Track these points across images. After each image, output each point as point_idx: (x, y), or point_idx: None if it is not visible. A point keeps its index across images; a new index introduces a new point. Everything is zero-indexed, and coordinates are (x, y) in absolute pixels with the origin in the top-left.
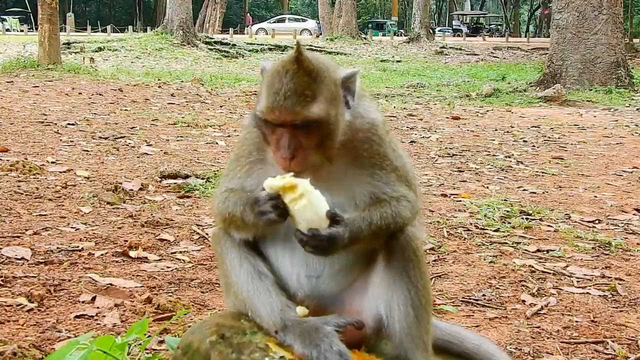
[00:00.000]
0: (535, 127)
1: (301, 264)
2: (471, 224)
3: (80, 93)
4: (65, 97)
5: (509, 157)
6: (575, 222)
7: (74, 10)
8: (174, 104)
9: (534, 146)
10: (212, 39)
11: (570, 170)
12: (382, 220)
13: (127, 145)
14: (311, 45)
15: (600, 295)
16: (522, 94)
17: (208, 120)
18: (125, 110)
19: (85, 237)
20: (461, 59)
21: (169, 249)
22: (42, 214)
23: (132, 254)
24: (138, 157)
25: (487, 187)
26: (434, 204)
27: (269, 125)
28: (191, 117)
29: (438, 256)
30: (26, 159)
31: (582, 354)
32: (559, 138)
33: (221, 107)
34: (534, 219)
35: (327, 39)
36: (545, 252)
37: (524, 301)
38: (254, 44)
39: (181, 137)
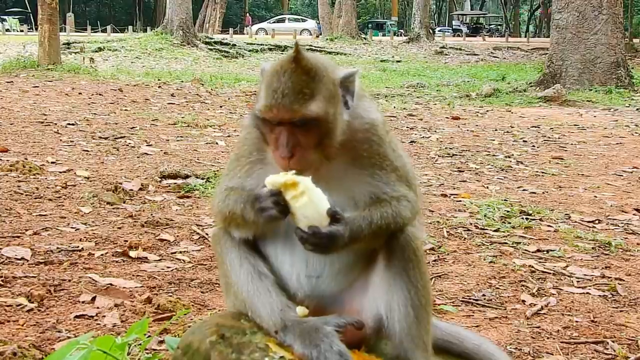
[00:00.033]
0: (535, 127)
1: (301, 264)
2: (471, 224)
3: (80, 93)
4: (65, 97)
5: (509, 157)
6: (575, 222)
7: (74, 11)
8: (174, 104)
9: (533, 146)
10: (212, 39)
11: (570, 170)
12: (383, 220)
13: (127, 145)
14: (311, 46)
15: (600, 295)
16: (522, 94)
17: (208, 120)
18: (125, 110)
19: (85, 237)
20: (461, 59)
21: (169, 249)
22: (42, 214)
23: (132, 254)
24: (138, 157)
25: (487, 187)
26: (434, 204)
27: (268, 124)
28: (191, 117)
29: (438, 256)
30: (26, 159)
31: (582, 354)
32: (558, 138)
33: (221, 107)
34: (534, 219)
35: (327, 39)
36: (545, 252)
37: (524, 301)
38: (254, 44)
39: (181, 137)
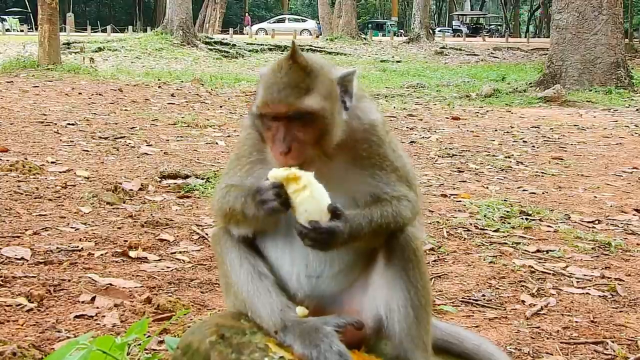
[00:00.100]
0: (535, 127)
1: (301, 264)
2: (471, 224)
3: (80, 93)
4: (65, 97)
5: (509, 157)
6: (575, 222)
7: (74, 11)
8: (173, 104)
9: (533, 146)
10: (212, 39)
11: (570, 170)
12: (382, 219)
13: (127, 145)
14: (311, 46)
15: (600, 296)
16: (522, 94)
17: (208, 120)
18: (125, 110)
19: (85, 237)
20: (461, 60)
21: (168, 249)
22: (41, 214)
23: (132, 254)
24: (138, 157)
25: (487, 188)
26: (434, 204)
27: (265, 120)
28: (191, 117)
29: (438, 256)
30: (26, 159)
31: (581, 354)
32: (558, 138)
33: (221, 107)
34: (533, 220)
35: (327, 39)
36: (545, 253)
37: (523, 301)
38: (254, 44)
39: (181, 137)
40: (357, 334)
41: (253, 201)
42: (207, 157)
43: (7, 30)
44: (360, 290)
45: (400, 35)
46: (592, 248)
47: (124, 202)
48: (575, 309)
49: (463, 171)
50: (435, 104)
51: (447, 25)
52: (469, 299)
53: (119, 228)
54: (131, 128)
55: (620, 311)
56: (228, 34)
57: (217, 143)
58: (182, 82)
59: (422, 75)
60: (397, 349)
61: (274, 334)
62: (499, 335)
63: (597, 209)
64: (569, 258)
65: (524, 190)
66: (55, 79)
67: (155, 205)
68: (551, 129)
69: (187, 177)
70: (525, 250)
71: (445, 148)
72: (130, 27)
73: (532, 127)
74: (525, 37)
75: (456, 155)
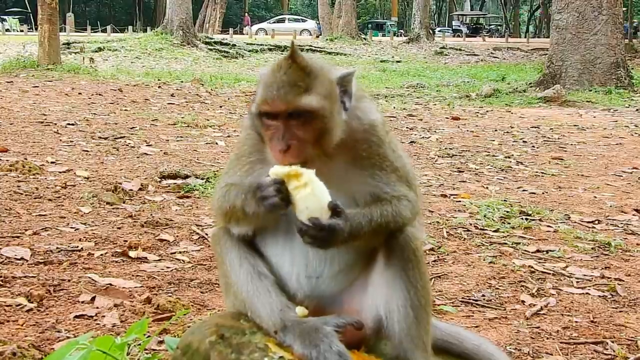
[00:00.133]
0: (535, 127)
1: (301, 264)
2: (471, 224)
3: (80, 93)
4: (65, 97)
5: (509, 157)
6: (575, 222)
7: (74, 11)
8: (173, 104)
9: (533, 146)
10: (212, 39)
11: (569, 170)
12: (382, 218)
13: (126, 145)
14: (311, 46)
15: (599, 296)
16: (522, 94)
17: (208, 120)
18: (125, 110)
19: (84, 237)
20: (461, 60)
21: (168, 249)
22: (41, 214)
23: (132, 254)
24: (138, 157)
25: (487, 188)
26: (434, 204)
27: (265, 119)
28: (191, 118)
29: (438, 256)
30: (26, 159)
31: (581, 354)
32: (558, 138)
33: (221, 107)
34: (533, 220)
35: (326, 39)
36: (544, 253)
37: (523, 301)
38: (254, 44)
39: (181, 137)
40: (357, 334)
41: (253, 198)
42: (207, 157)
43: (7, 30)
44: (360, 291)
45: (400, 36)
46: (592, 248)
47: (124, 202)
48: (575, 309)
49: (463, 171)
50: (435, 104)
51: (447, 26)
52: (469, 299)
53: (119, 228)
54: (131, 128)
55: (620, 311)
56: (228, 34)
57: (217, 143)
58: (182, 82)
59: (422, 75)
60: (396, 349)
61: (274, 334)
62: (498, 335)
63: (597, 209)
64: (568, 258)
65: (523, 190)
66: (55, 79)
67: (155, 205)
68: (551, 129)
69: (187, 177)
70: (525, 251)
71: (445, 148)
72: (130, 27)
73: (532, 127)
74: (525, 37)
75: (456, 155)
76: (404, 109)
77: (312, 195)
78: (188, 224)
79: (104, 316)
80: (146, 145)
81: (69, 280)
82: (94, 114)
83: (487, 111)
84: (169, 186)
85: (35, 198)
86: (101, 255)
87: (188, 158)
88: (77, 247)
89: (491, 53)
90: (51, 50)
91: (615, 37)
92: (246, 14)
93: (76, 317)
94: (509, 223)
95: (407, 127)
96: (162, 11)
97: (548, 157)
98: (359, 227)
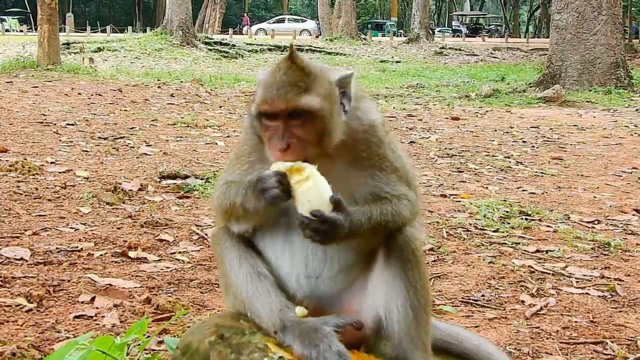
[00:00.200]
0: (535, 127)
1: (300, 264)
2: (470, 224)
3: (79, 93)
4: (64, 98)
5: (509, 157)
6: (575, 222)
7: (74, 11)
8: (173, 104)
9: (533, 147)
10: (211, 39)
11: (569, 170)
12: (382, 217)
13: (126, 145)
14: (311, 46)
15: (599, 296)
16: (522, 94)
17: (207, 120)
18: (125, 110)
19: (84, 237)
20: (460, 60)
21: (168, 249)
22: (41, 215)
23: (132, 254)
24: (137, 158)
25: (487, 188)
26: (434, 204)
27: (264, 120)
28: (190, 118)
29: (437, 256)
30: (25, 159)
31: (581, 354)
32: (558, 138)
33: (220, 107)
34: (533, 220)
35: (326, 40)
36: (544, 253)
37: (523, 301)
38: (254, 44)
39: (180, 137)
40: (357, 334)
41: (253, 193)
42: (207, 158)
43: (7, 30)
44: (359, 291)
45: (400, 36)
46: (592, 248)
47: (124, 203)
48: (575, 309)
49: (462, 171)
50: (434, 104)
51: (446, 26)
52: (469, 299)
53: (119, 228)
54: (131, 128)
55: (620, 311)
56: (227, 34)
57: (216, 143)
58: (181, 82)
59: (422, 75)
60: (396, 349)
61: (274, 334)
62: (498, 335)
63: (597, 209)
64: (568, 258)
65: (523, 190)
66: (55, 79)
67: (154, 205)
68: (551, 129)
69: (186, 177)
70: (525, 251)
71: (445, 148)
72: (129, 28)
73: (532, 127)
74: (525, 37)
75: (456, 155)
76: (404, 109)
77: (314, 188)
78: (188, 224)
79: (103, 316)
80: (146, 145)
81: (68, 281)
82: (94, 114)
83: (486, 111)
84: (168, 186)
85: (34, 198)
86: (101, 255)
87: (188, 158)
88: (77, 247)
89: (491, 53)
90: (51, 51)
91: (615, 37)
92: (245, 14)
93: (76, 317)
94: (509, 223)
95: (406, 127)
96: (162, 11)
97: (548, 157)
98: (359, 223)
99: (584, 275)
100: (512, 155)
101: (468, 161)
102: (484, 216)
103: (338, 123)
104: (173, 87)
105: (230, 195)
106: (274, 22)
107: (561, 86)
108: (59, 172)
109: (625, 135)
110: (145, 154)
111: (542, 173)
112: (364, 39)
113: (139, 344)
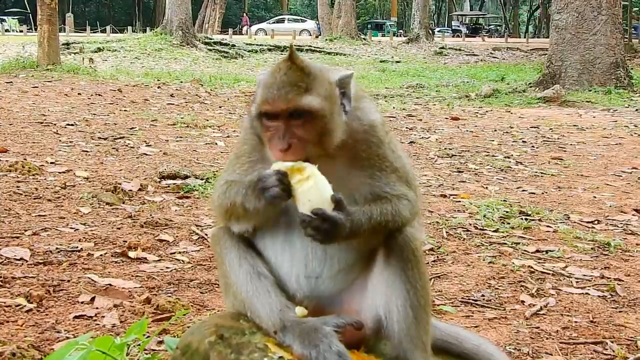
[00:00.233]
0: (535, 127)
1: (300, 264)
2: (470, 224)
3: (79, 93)
4: (64, 98)
5: (508, 157)
6: (575, 222)
7: (73, 11)
8: (173, 104)
9: (533, 147)
10: (211, 39)
11: (569, 170)
12: (382, 217)
13: (126, 145)
14: (310, 46)
15: (599, 296)
16: (522, 94)
17: (207, 120)
18: (125, 110)
19: (84, 237)
20: (460, 60)
21: (168, 249)
22: (41, 215)
23: (131, 254)
24: (137, 158)
25: (487, 188)
26: (433, 204)
27: (265, 119)
28: (190, 118)
29: (437, 257)
30: (25, 159)
31: (581, 354)
32: (558, 139)
33: (220, 107)
34: (533, 220)
35: (326, 40)
36: (544, 253)
37: (523, 302)
38: (253, 44)
39: (180, 137)
40: (357, 334)
41: (254, 192)
42: (207, 158)
43: (7, 30)
44: (359, 291)
45: (400, 36)
46: (592, 248)
47: (124, 203)
48: (575, 309)
49: (462, 171)
50: (434, 104)
51: (446, 26)
52: (469, 299)
53: (119, 228)
54: (130, 128)
55: (620, 311)
56: (227, 34)
57: (216, 143)
58: (181, 82)
59: (422, 75)
60: (396, 349)
61: (273, 334)
62: (498, 335)
63: (597, 209)
64: (568, 258)
65: (523, 190)
66: (55, 79)
67: (154, 205)
68: (550, 129)
69: (186, 177)
70: (525, 251)
71: (445, 148)
72: (129, 28)
73: (532, 127)
74: (525, 37)
75: (455, 155)
76: (404, 109)
77: (315, 188)
78: (187, 224)
79: (103, 316)
80: (146, 145)
81: (68, 281)
82: (94, 114)
83: (486, 111)
84: (168, 186)
85: (34, 198)
86: (101, 255)
87: (187, 158)
88: (77, 247)
89: (491, 53)
90: (50, 51)
91: (615, 37)
92: (244, 14)
93: (76, 317)
94: (509, 223)
95: (406, 128)
96: (162, 11)
97: (547, 157)
98: (359, 223)
99: (584, 275)
100: (512, 155)
101: (468, 161)
102: (484, 216)
103: (339, 123)
104: (173, 87)
105: (230, 194)
106: (274, 22)
107: (561, 86)
108: (59, 172)
109: (625, 135)
110: (145, 154)
111: (542, 173)
112: (363, 39)
113: (139, 344)
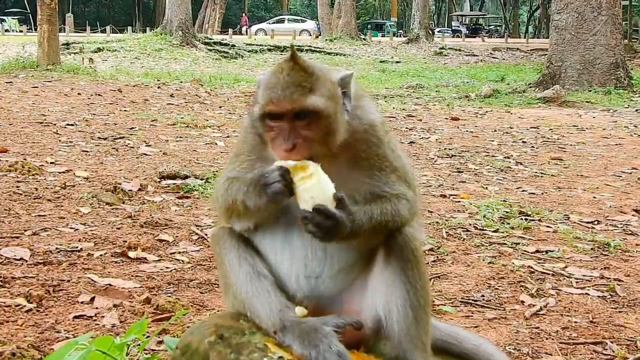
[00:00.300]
0: (534, 127)
1: (300, 264)
2: (470, 224)
3: (79, 93)
4: (64, 98)
5: (508, 157)
6: (574, 222)
7: (73, 11)
8: (173, 104)
9: (533, 147)
10: (211, 39)
11: (569, 171)
12: (382, 216)
13: (126, 145)
14: (310, 46)
15: (599, 296)
16: (521, 94)
17: (207, 120)
18: (125, 110)
19: (84, 237)
20: (460, 60)
21: (168, 249)
22: (41, 215)
23: (131, 254)
24: (137, 158)
25: (486, 188)
26: (433, 204)
27: (268, 120)
28: (190, 118)
29: (437, 257)
30: (25, 159)
31: (581, 354)
32: (558, 139)
33: (220, 107)
34: (533, 220)
35: (326, 40)
36: (544, 253)
37: (523, 302)
38: (253, 44)
39: (180, 137)
40: (356, 334)
41: (255, 189)
42: (206, 158)
43: (7, 30)
44: (359, 291)
45: (400, 36)
46: (592, 248)
47: (123, 203)
48: (575, 309)
49: (462, 171)
50: (434, 105)
51: (446, 26)
52: (468, 299)
53: (118, 228)
54: (130, 128)
55: (620, 311)
56: (227, 34)
57: (216, 143)
58: (181, 82)
59: (422, 75)
60: (396, 349)
61: (273, 334)
62: (498, 335)
63: (597, 210)
64: (568, 258)
65: (523, 190)
66: (55, 79)
67: (154, 205)
68: (550, 129)
69: (186, 177)
70: (525, 251)
71: (445, 148)
72: (129, 28)
73: (532, 127)
74: (525, 37)
75: (455, 155)
76: (404, 109)
77: (317, 186)
78: (187, 224)
79: (103, 316)
80: (145, 145)
81: (68, 281)
82: (94, 114)
83: (486, 111)
84: (168, 186)
85: (34, 198)
86: (100, 255)
87: (187, 158)
88: (77, 247)
89: (490, 53)
90: (50, 51)
91: (615, 37)
92: (244, 15)
93: (75, 317)
94: (509, 223)
95: (406, 128)
96: (162, 12)
97: (547, 158)
98: (360, 223)
99: (584, 275)
100: (512, 155)
101: (468, 161)
102: (484, 216)
103: (342, 122)
104: (173, 88)
105: (232, 191)
106: (274, 23)
107: (561, 86)
108: (59, 172)
109: (624, 135)
110: (145, 154)
111: (541, 173)
112: (363, 39)
113: (139, 344)
